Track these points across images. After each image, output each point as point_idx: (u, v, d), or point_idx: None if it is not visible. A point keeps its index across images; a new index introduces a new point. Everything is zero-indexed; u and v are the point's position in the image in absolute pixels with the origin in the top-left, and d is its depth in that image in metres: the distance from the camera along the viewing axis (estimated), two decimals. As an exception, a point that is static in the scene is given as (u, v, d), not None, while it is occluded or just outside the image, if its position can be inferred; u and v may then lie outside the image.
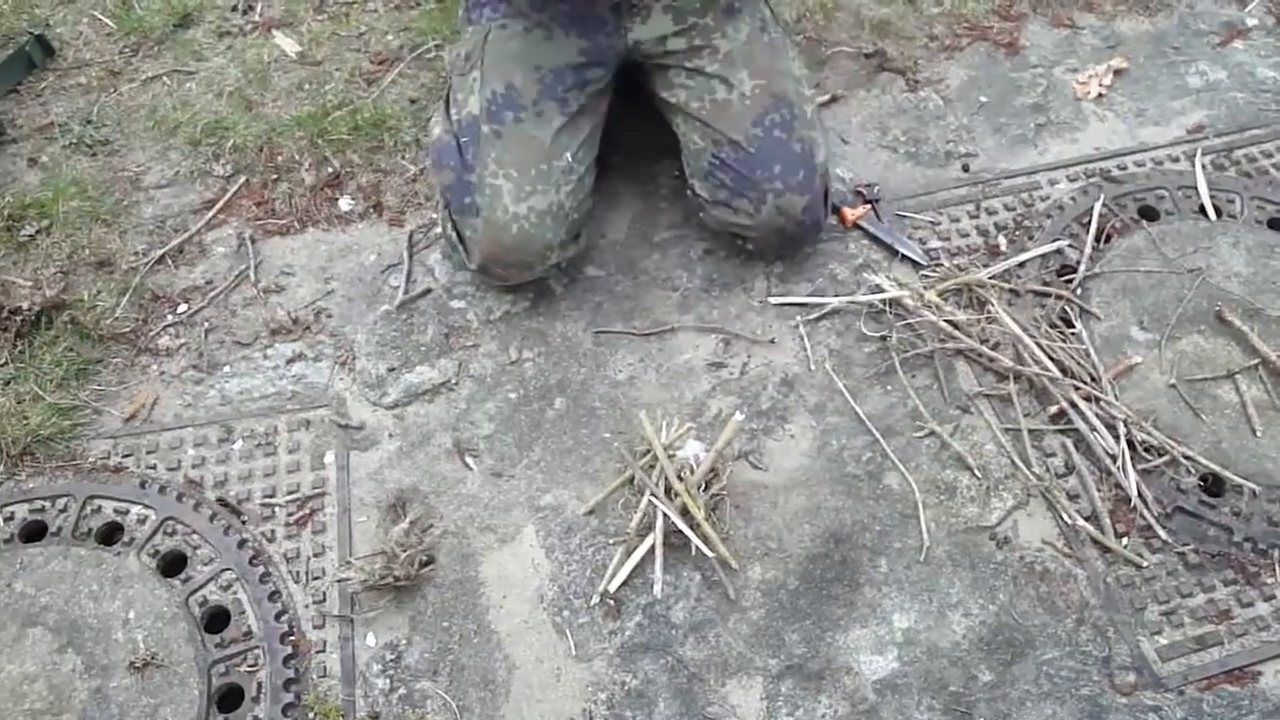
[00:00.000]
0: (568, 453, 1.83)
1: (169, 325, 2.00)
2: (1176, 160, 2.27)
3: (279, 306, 2.03)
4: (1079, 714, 1.54)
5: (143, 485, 1.77)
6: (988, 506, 1.75)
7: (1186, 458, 1.77)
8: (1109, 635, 1.62)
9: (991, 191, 2.20)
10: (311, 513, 1.75)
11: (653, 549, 1.67)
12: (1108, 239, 2.10)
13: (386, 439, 1.85)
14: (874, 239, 2.10)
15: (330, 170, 2.24)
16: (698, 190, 1.96)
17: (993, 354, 1.90)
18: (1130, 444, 1.78)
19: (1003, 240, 2.11)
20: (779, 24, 2.03)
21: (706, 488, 1.71)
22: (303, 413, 1.88)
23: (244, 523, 1.74)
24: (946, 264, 2.06)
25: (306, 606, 1.66)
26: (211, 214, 2.17)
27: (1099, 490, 1.75)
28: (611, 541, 1.71)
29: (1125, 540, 1.70)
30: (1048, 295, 1.99)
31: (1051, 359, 1.88)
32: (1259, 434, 1.81)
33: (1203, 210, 2.15)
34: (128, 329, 1.99)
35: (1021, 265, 2.04)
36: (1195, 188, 2.19)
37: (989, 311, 1.96)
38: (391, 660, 1.61)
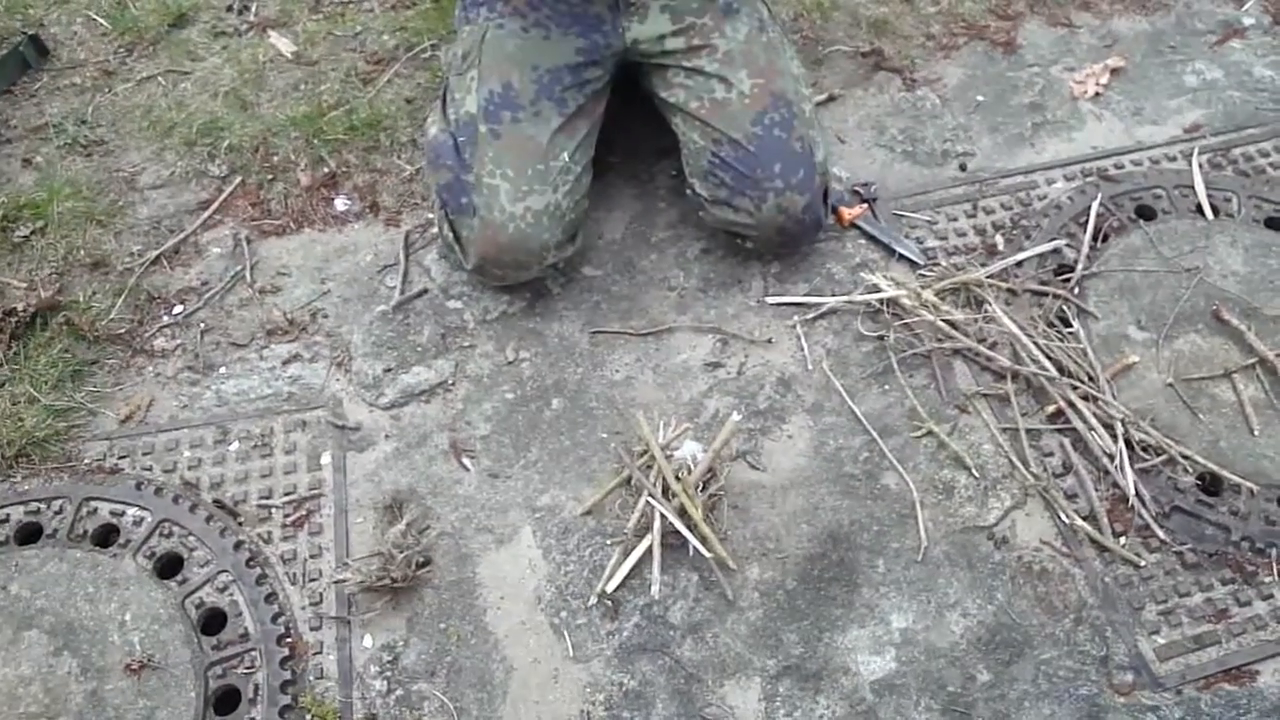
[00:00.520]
0: (565, 453, 1.82)
1: (165, 326, 2.00)
2: (1174, 159, 2.26)
3: (275, 307, 2.02)
4: (1077, 714, 1.54)
5: (139, 487, 1.77)
6: (985, 506, 1.75)
7: (1184, 457, 1.77)
8: (1107, 635, 1.62)
9: (989, 191, 2.20)
10: (308, 514, 1.75)
11: (650, 550, 1.67)
12: (1105, 238, 2.09)
13: (383, 440, 1.84)
14: (871, 238, 2.10)
15: (326, 170, 2.24)
16: (697, 189, 1.95)
17: (990, 353, 1.90)
18: (1128, 443, 1.78)
19: (1000, 239, 2.11)
20: (777, 23, 2.02)
21: (704, 488, 1.71)
22: (299, 414, 1.87)
23: (240, 524, 1.73)
24: (944, 263, 2.06)
25: (303, 608, 1.65)
26: (207, 214, 2.17)
27: (1097, 490, 1.75)
28: (609, 542, 1.71)
29: (1123, 540, 1.70)
30: (1045, 294, 1.99)
31: (1049, 358, 1.88)
32: (1256, 433, 1.81)
33: (1200, 209, 2.15)
34: (123, 330, 1.98)
35: (1019, 264, 2.04)
36: (1192, 187, 2.19)
37: (986, 311, 1.96)
38: (389, 662, 1.60)
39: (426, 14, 2.55)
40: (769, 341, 1.95)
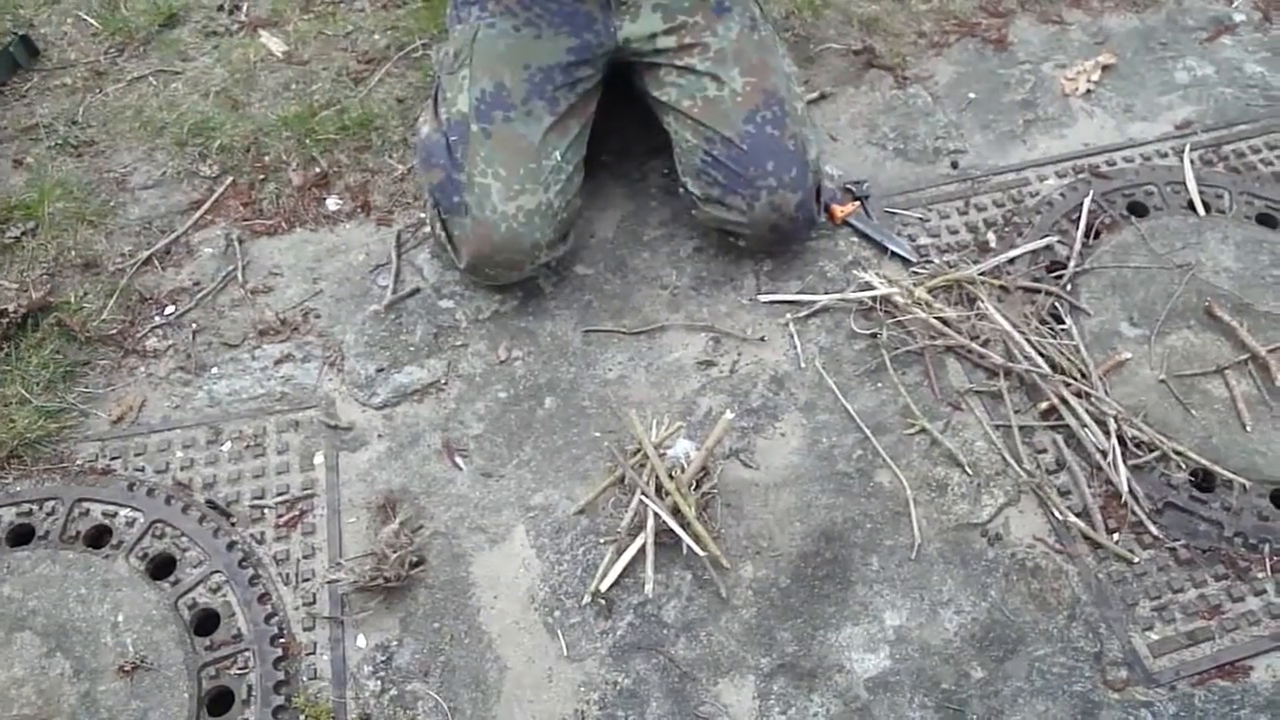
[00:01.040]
0: (558, 452, 1.82)
1: (156, 327, 1.99)
2: (1165, 156, 2.27)
3: (267, 307, 2.02)
4: (1071, 710, 1.54)
5: (131, 487, 1.76)
6: (979, 503, 1.75)
7: (1177, 453, 1.77)
8: (1100, 631, 1.62)
9: (980, 188, 2.20)
10: (301, 514, 1.74)
11: (644, 548, 1.67)
12: (1097, 235, 2.10)
13: (376, 439, 1.84)
14: (863, 236, 2.10)
15: (318, 170, 2.23)
16: (690, 188, 1.95)
17: (983, 351, 1.90)
18: (1121, 440, 1.78)
19: (992, 237, 2.11)
20: (768, 22, 2.02)
21: (697, 486, 1.71)
22: (291, 414, 1.87)
23: (233, 524, 1.73)
24: (936, 261, 2.06)
25: (296, 608, 1.65)
26: (198, 215, 2.16)
27: (1090, 486, 1.75)
28: (602, 541, 1.71)
29: (1116, 536, 1.70)
30: (1037, 291, 1.99)
31: (1041, 355, 1.88)
32: (1249, 429, 1.81)
33: (1191, 206, 2.15)
34: (115, 331, 1.98)
35: (1011, 261, 2.04)
36: (1184, 183, 2.19)
37: (979, 308, 1.96)
38: (382, 662, 1.60)
39: (417, 13, 2.55)
40: (761, 340, 1.95)
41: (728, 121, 1.88)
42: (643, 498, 1.69)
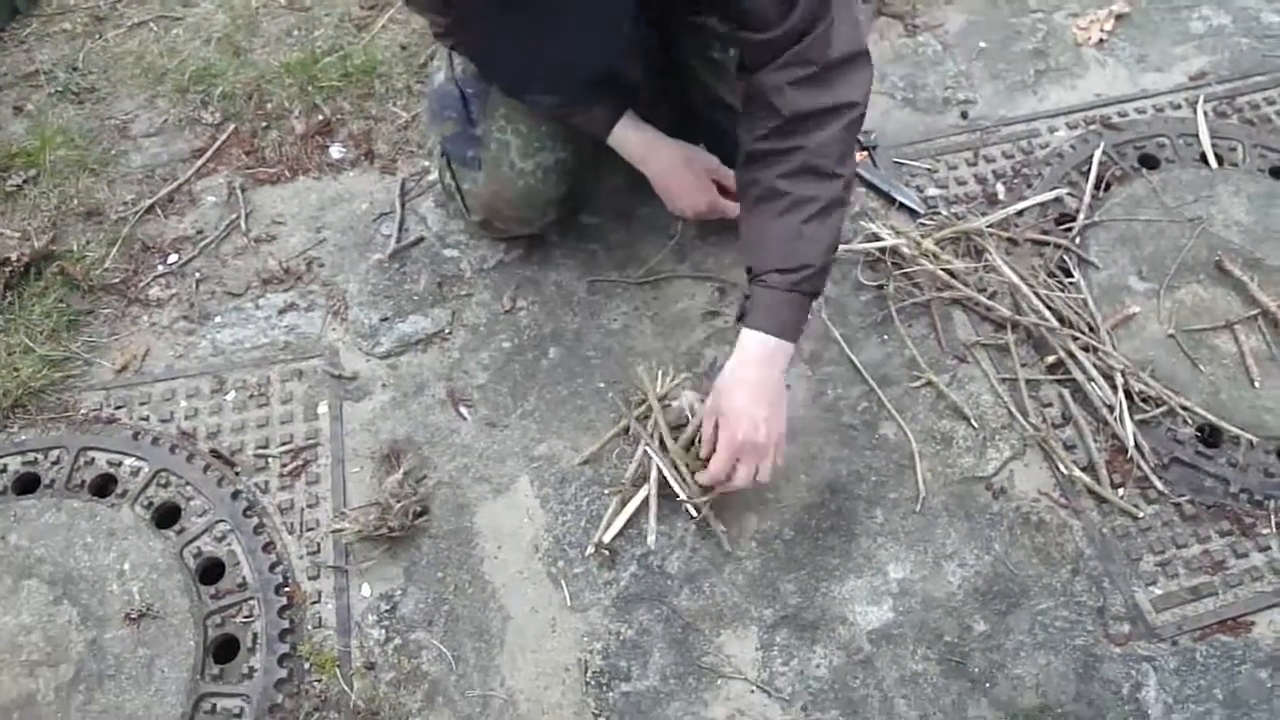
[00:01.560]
0: (562, 402, 1.82)
1: (159, 275, 1.99)
2: (1178, 107, 2.24)
3: (270, 256, 2.01)
4: (1073, 664, 1.55)
5: (135, 437, 1.76)
6: (984, 457, 1.75)
7: (1184, 408, 1.76)
8: (1104, 586, 1.62)
9: (990, 139, 2.18)
10: (305, 464, 1.75)
11: (647, 500, 1.67)
12: (1107, 187, 2.08)
13: (380, 389, 1.84)
14: (871, 187, 2.08)
15: (321, 118, 2.21)
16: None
17: (990, 303, 1.89)
18: (1127, 394, 1.77)
19: (1001, 188, 2.09)
20: None
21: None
22: (295, 363, 1.87)
23: (237, 474, 1.73)
24: (944, 212, 2.04)
25: (301, 558, 1.65)
26: (201, 162, 2.15)
27: (1095, 441, 1.75)
28: (607, 491, 1.71)
29: (1121, 491, 1.70)
30: (1046, 244, 1.98)
31: (1049, 308, 1.87)
32: (1257, 385, 1.80)
33: (1204, 158, 2.13)
34: (118, 280, 1.97)
35: (1020, 214, 2.02)
36: (1197, 135, 2.16)
37: (987, 260, 1.94)
38: (386, 611, 1.61)
39: (422, -42, 2.51)
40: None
41: (731, 86, 1.83)
42: (647, 449, 1.68)
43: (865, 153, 2.10)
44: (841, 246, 1.96)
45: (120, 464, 1.73)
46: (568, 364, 1.86)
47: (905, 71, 2.31)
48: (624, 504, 1.68)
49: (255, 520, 1.68)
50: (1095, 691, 1.52)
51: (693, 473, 1.64)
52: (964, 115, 2.23)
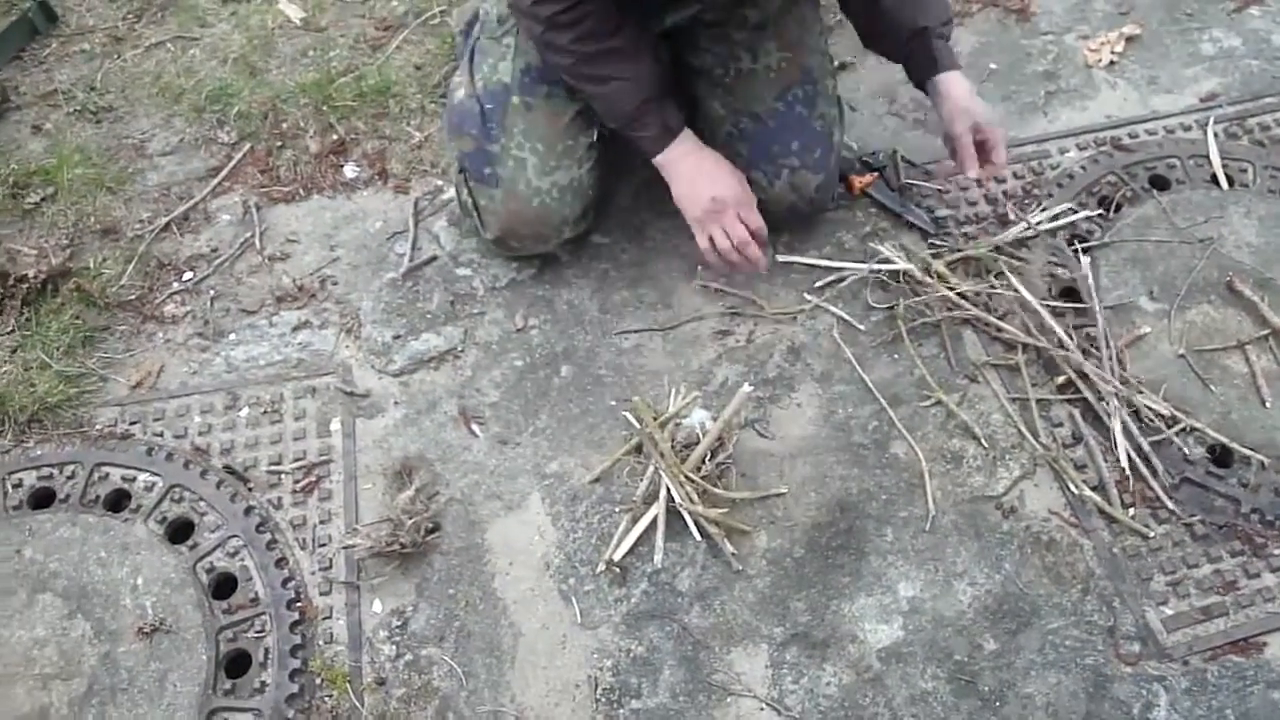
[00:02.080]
0: (574, 420, 1.82)
1: (175, 293, 2.00)
2: (1188, 129, 2.24)
3: (284, 274, 2.03)
4: (1083, 683, 1.54)
5: (149, 452, 1.77)
6: (994, 476, 1.75)
7: (1194, 428, 1.76)
8: (1114, 605, 1.62)
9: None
10: (318, 480, 1.75)
11: (656, 518, 1.67)
12: (1118, 208, 2.08)
13: (392, 406, 1.85)
14: (882, 207, 2.09)
15: (335, 137, 2.23)
16: None
17: (1000, 323, 1.89)
18: (1138, 414, 1.77)
19: (1011, 209, 2.09)
20: None
21: (712, 456, 1.71)
22: (308, 380, 1.88)
23: (250, 489, 1.74)
24: (955, 232, 2.04)
25: (313, 573, 1.66)
26: (216, 181, 2.17)
27: (1106, 460, 1.75)
28: (617, 509, 1.71)
29: (1132, 511, 1.70)
30: (1056, 265, 1.98)
31: (1059, 329, 1.87)
32: (1268, 405, 1.80)
33: (1214, 179, 2.13)
34: (133, 297, 1.99)
35: (1030, 235, 2.03)
36: (1207, 156, 2.17)
37: (996, 281, 1.94)
38: (398, 627, 1.61)
39: (436, -20, 2.53)
40: (779, 310, 1.95)
41: (758, 97, 1.86)
42: (658, 468, 1.69)
43: (876, 173, 2.11)
44: (852, 266, 1.97)
45: (134, 479, 1.74)
46: (579, 382, 1.87)
47: (916, 93, 2.30)
48: (635, 521, 1.68)
49: (268, 536, 1.68)
50: (1106, 711, 1.52)
51: (701, 492, 1.65)
52: (974, 136, 2.23)
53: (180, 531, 1.70)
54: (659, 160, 1.80)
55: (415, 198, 2.13)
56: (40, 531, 1.68)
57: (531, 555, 1.68)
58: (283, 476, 1.76)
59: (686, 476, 1.66)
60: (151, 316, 1.97)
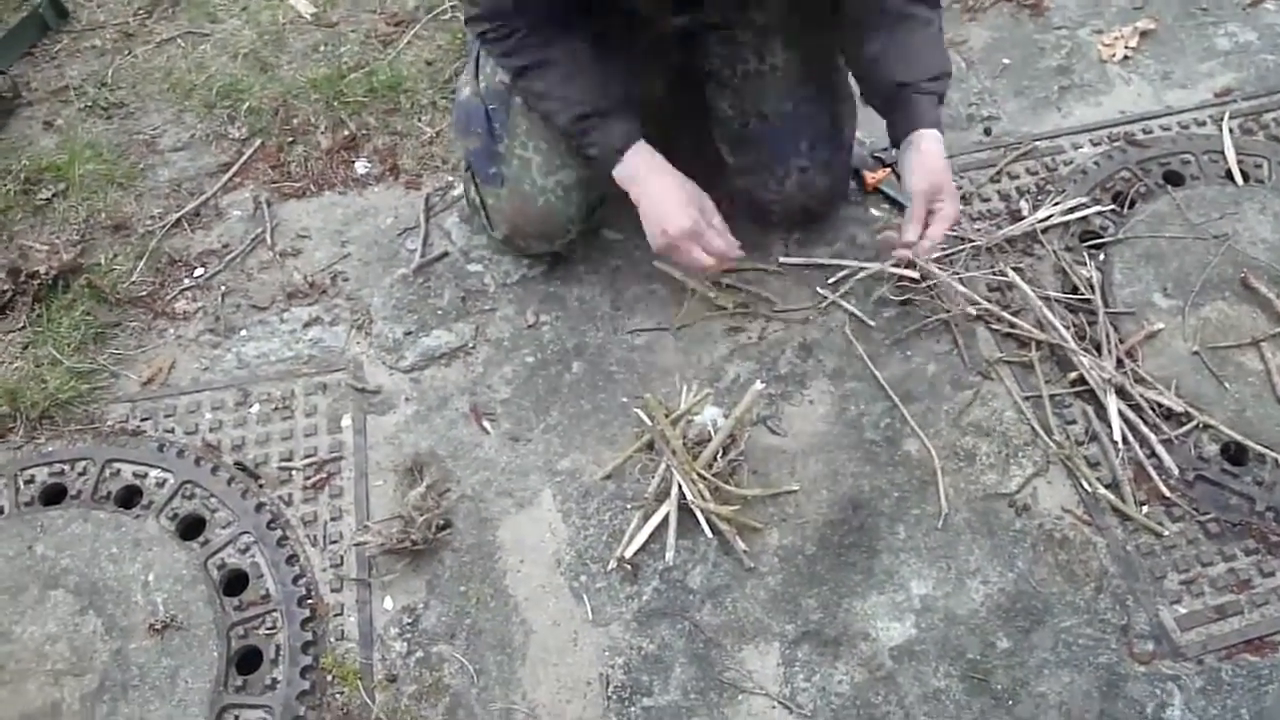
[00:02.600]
0: (585, 417, 1.82)
1: (186, 289, 2.00)
2: (1203, 124, 2.23)
3: (295, 270, 2.02)
4: (1096, 682, 1.54)
5: (161, 448, 1.78)
6: (1007, 473, 1.74)
7: (1209, 426, 1.75)
8: (1128, 604, 1.61)
9: (1014, 155, 2.18)
10: (329, 476, 1.75)
11: (667, 516, 1.67)
12: (1132, 204, 2.07)
13: (403, 402, 1.85)
14: (894, 203, 2.08)
15: (346, 133, 2.23)
16: (724, 155, 1.93)
17: (1013, 320, 1.88)
18: (1152, 411, 1.76)
19: (1024, 204, 2.08)
20: None
21: (724, 454, 1.70)
22: (319, 376, 1.88)
23: (261, 486, 1.74)
24: (967, 228, 2.03)
25: (324, 570, 1.66)
26: (227, 177, 2.17)
27: (1119, 458, 1.74)
28: (629, 506, 1.71)
29: (1145, 508, 1.69)
30: (1070, 261, 1.97)
31: (1072, 326, 1.86)
32: (1283, 402, 1.79)
33: (1229, 175, 2.12)
34: (145, 293, 1.99)
35: (1043, 230, 2.02)
36: (1222, 152, 2.15)
37: (1009, 277, 1.94)
38: (409, 624, 1.61)
39: (447, -25, 2.53)
40: (790, 307, 1.94)
41: (766, 97, 1.85)
42: (669, 465, 1.68)
43: (889, 169, 2.10)
44: (864, 263, 1.97)
45: (146, 476, 1.75)
46: (590, 378, 1.87)
47: (928, 88, 2.30)
48: (646, 519, 1.68)
49: (279, 533, 1.68)
50: (1119, 711, 1.51)
51: (713, 489, 1.64)
52: (987, 132, 2.23)
53: (191, 528, 1.70)
54: (614, 177, 1.75)
55: (426, 193, 2.13)
56: (52, 528, 1.68)
57: (543, 552, 1.68)
58: (294, 473, 1.76)
59: (698, 474, 1.66)
60: (162, 313, 1.97)
